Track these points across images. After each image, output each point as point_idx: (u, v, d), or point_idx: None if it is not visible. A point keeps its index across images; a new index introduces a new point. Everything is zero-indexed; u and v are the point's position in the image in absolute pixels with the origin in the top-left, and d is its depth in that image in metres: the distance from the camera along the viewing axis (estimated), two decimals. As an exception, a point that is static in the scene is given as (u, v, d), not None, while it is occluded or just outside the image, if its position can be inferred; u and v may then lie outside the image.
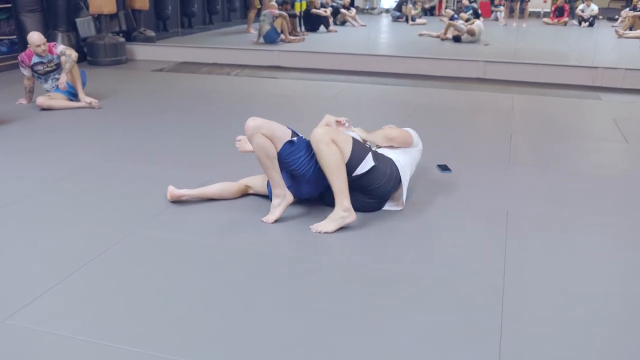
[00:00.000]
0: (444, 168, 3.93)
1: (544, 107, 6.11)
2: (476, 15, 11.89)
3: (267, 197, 3.28)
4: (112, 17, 8.69)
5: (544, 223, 3.14)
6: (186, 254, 2.74)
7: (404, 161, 3.20)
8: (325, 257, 2.74)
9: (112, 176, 3.75)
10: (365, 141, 3.25)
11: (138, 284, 2.47)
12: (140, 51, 8.87)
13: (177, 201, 3.30)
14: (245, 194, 3.42)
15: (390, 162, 3.13)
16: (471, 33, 10.75)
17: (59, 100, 5.51)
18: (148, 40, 9.37)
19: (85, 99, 5.56)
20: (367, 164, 3.00)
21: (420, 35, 11.51)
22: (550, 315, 2.29)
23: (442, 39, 11.09)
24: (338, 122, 3.28)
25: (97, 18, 8.44)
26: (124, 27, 9.20)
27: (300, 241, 2.88)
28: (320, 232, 2.92)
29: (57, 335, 2.09)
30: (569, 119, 5.62)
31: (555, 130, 5.14)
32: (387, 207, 3.24)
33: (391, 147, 3.26)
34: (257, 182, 3.39)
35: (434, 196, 3.47)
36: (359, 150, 3.00)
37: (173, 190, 3.30)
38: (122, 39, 8.50)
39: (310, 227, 2.97)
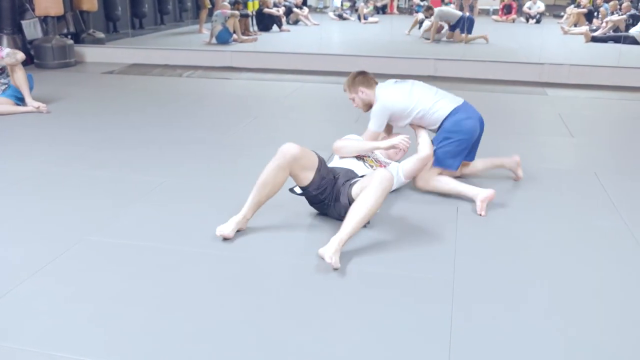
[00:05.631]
0: (396, 166, 3.98)
1: (493, 103, 6.24)
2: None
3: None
4: (60, 18, 8.48)
5: (494, 218, 3.23)
6: (139, 259, 2.71)
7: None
8: (276, 257, 2.76)
9: (62, 183, 3.67)
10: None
11: (91, 292, 2.43)
12: (90, 53, 8.69)
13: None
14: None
15: (349, 172, 3.15)
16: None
17: (5, 105, 5.36)
18: (97, 42, 9.18)
19: (32, 104, 5.42)
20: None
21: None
22: (500, 310, 2.35)
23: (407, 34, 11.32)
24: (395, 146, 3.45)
25: (44, 20, 8.24)
26: (72, 29, 8.99)
27: (254, 244, 2.89)
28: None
29: (6, 348, 2.05)
30: (517, 115, 5.77)
31: (504, 125, 5.26)
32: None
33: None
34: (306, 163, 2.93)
35: (386, 194, 3.51)
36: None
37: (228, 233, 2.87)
38: (71, 41, 8.30)
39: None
